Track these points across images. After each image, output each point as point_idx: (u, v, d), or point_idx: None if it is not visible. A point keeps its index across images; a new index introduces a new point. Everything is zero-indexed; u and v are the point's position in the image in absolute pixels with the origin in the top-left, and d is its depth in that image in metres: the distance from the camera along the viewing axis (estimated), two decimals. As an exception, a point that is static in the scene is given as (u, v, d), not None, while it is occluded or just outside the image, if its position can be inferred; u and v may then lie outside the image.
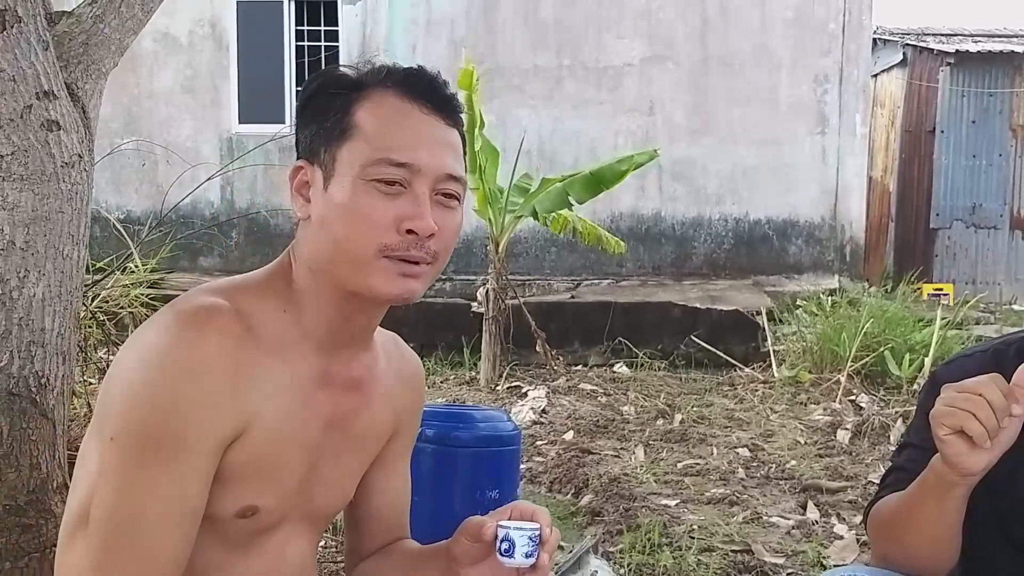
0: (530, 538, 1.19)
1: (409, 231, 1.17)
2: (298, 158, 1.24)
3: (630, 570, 3.12)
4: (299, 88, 1.23)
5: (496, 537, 1.20)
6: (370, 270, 1.17)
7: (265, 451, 1.18)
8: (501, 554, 1.20)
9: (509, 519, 1.22)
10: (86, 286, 4.69)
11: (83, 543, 1.12)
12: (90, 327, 4.71)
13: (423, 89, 1.21)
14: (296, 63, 9.09)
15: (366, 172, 1.17)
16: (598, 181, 6.63)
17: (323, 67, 1.34)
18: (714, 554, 3.32)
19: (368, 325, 1.28)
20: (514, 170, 6.72)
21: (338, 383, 1.26)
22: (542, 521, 1.22)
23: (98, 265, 5.17)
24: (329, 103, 1.21)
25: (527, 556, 1.19)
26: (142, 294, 5.47)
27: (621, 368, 7.09)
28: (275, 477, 1.21)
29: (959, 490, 1.35)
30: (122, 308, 5.11)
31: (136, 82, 9.19)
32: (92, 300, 4.90)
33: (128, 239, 5.44)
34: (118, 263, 5.20)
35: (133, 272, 5.42)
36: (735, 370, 6.87)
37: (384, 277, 1.18)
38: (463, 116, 1.27)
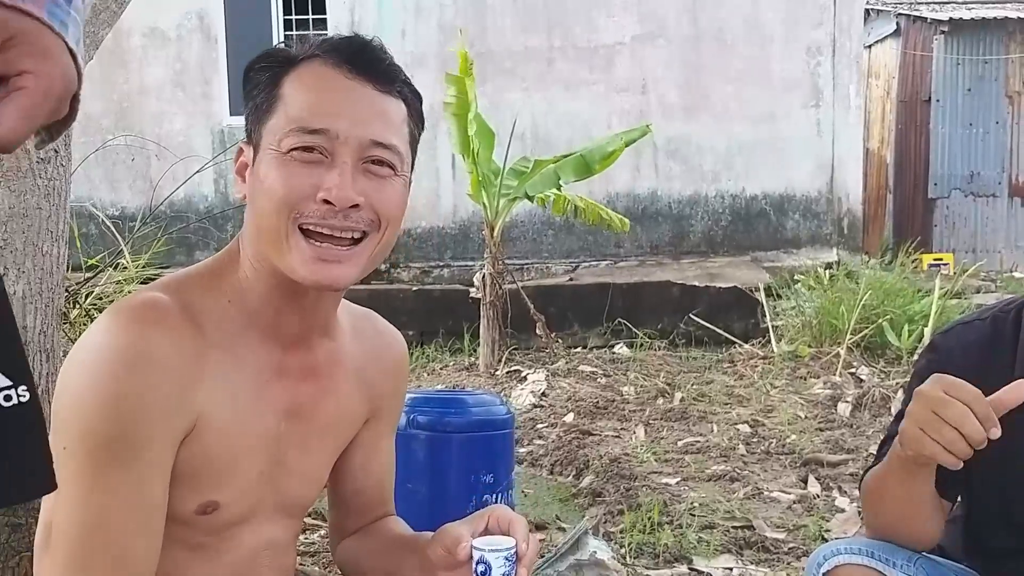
0: (506, 558, 1.14)
1: (326, 201, 1.10)
2: None
3: (631, 549, 3.11)
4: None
5: (471, 558, 1.15)
6: (288, 248, 1.12)
7: (219, 446, 1.14)
8: None
9: (486, 529, 1.18)
10: (79, 283, 4.68)
11: (51, 557, 1.09)
12: (84, 325, 4.70)
13: (352, 54, 1.14)
14: (285, 53, 9.05)
15: (282, 143, 1.11)
16: (591, 160, 6.59)
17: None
18: (715, 531, 3.30)
19: (317, 308, 1.21)
20: (507, 153, 6.68)
21: (295, 372, 1.22)
22: (518, 535, 1.17)
23: (91, 262, 5.15)
24: (260, 78, 1.17)
25: None
26: (135, 290, 5.43)
27: (621, 349, 7.07)
28: (232, 471, 1.17)
29: (925, 470, 1.34)
30: (116, 305, 5.08)
31: (126, 78, 9.15)
32: (86, 297, 4.88)
33: (120, 235, 5.41)
34: (110, 259, 5.18)
35: (127, 268, 5.38)
36: (735, 347, 6.85)
37: (301, 260, 1.11)
38: (404, 85, 1.19)
